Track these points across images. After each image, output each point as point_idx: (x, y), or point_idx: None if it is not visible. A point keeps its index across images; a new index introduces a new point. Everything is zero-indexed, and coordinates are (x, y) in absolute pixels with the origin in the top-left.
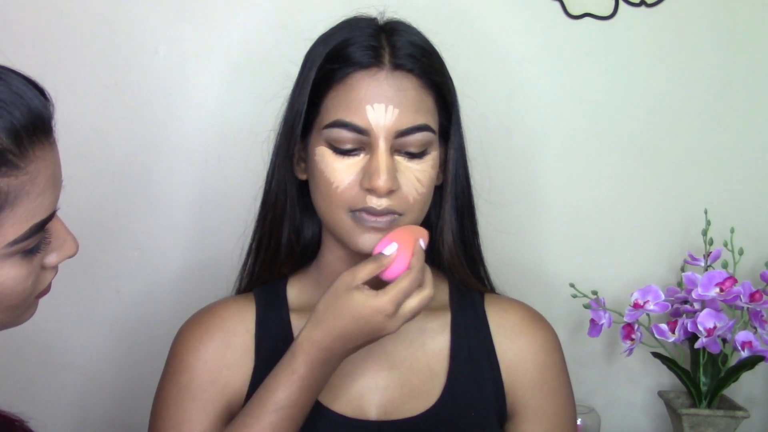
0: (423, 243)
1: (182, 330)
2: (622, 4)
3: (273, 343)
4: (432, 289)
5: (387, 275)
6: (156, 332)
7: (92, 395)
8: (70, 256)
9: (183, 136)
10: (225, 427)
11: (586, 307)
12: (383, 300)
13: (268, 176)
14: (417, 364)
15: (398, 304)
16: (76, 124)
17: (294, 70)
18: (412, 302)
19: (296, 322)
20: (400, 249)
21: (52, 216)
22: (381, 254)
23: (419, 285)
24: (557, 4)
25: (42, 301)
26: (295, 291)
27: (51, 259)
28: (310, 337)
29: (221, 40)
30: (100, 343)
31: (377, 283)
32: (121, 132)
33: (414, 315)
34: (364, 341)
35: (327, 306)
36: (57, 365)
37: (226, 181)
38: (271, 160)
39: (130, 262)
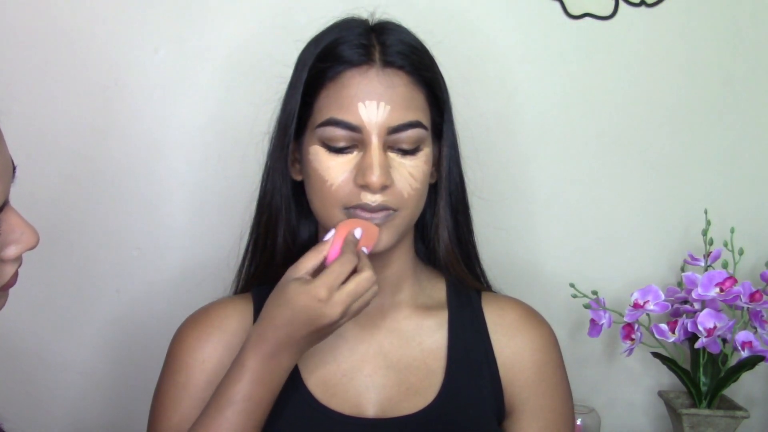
0: (358, 233)
1: (180, 330)
2: (622, 4)
3: None
4: (371, 271)
5: (329, 262)
6: (155, 332)
7: (91, 395)
8: (31, 248)
9: (183, 136)
10: None
11: (586, 307)
12: (314, 285)
13: (263, 177)
14: (414, 362)
15: (330, 288)
16: (76, 124)
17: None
18: (349, 286)
19: None
20: (337, 236)
21: (1, 208)
22: (321, 241)
23: (355, 269)
24: (557, 4)
25: (42, 300)
26: None
27: (9, 252)
28: (257, 330)
29: (221, 41)
30: (99, 343)
31: None
32: (121, 132)
33: (355, 299)
34: (309, 331)
35: (271, 299)
36: (56, 365)
37: (226, 181)
38: (266, 161)
39: (130, 262)
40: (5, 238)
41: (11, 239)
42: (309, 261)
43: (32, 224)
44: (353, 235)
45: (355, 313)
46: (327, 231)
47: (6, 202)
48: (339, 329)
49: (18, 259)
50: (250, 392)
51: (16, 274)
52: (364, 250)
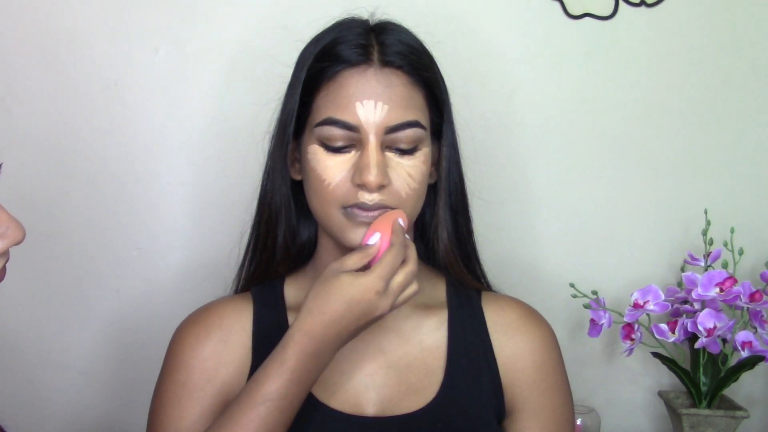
0: (402, 221)
1: (180, 328)
2: (622, 4)
3: (270, 342)
4: (416, 264)
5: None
6: (155, 332)
7: (91, 394)
8: (17, 243)
9: (183, 136)
10: None
11: (586, 307)
12: (371, 277)
13: (263, 177)
14: (414, 361)
15: (386, 280)
16: (76, 124)
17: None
18: (399, 277)
19: (293, 321)
20: (383, 229)
21: None
22: (367, 245)
23: (403, 260)
24: (557, 4)
25: (42, 300)
26: (293, 290)
27: None
28: (302, 327)
29: (221, 41)
30: (99, 343)
31: None
32: (121, 132)
33: (403, 290)
34: (357, 326)
35: (317, 294)
36: (56, 364)
37: (226, 180)
38: (266, 161)
39: (130, 261)
40: None
41: None
42: (354, 260)
43: (21, 221)
44: (399, 224)
45: (398, 306)
46: (326, 231)
47: None
48: None
49: (5, 254)
50: (288, 390)
51: (4, 270)
52: (400, 221)
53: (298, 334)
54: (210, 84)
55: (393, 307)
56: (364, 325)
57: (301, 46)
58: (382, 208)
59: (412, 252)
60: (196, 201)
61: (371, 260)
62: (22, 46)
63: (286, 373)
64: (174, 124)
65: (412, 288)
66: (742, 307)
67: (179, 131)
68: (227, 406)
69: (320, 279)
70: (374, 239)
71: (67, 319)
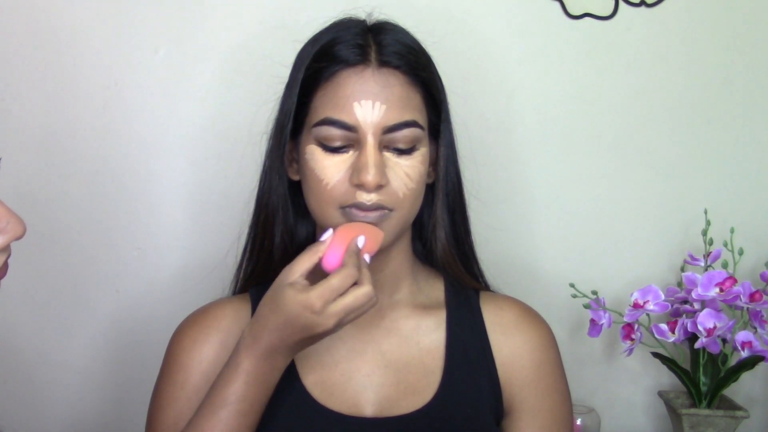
0: (361, 241)
1: (178, 330)
2: (622, 4)
3: None
4: (371, 287)
5: (325, 265)
6: (155, 332)
7: (91, 394)
8: (17, 238)
9: (183, 136)
10: None
11: (586, 307)
12: (310, 296)
13: (261, 177)
14: (412, 362)
15: (326, 301)
16: (76, 124)
17: None
18: (346, 299)
19: None
20: (336, 241)
21: None
22: (317, 242)
23: (355, 282)
24: (557, 4)
25: (42, 300)
26: None
27: None
28: (251, 331)
29: (221, 41)
30: (99, 343)
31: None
32: (121, 132)
33: (350, 312)
34: (301, 337)
35: (265, 301)
36: (56, 364)
37: (226, 180)
38: (264, 161)
39: (130, 261)
40: None
41: None
42: (303, 263)
43: (21, 216)
44: (356, 245)
45: (348, 323)
46: (324, 230)
47: None
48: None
49: (6, 250)
50: (245, 393)
51: (6, 266)
52: (367, 257)
53: (248, 338)
54: (210, 84)
55: (342, 325)
56: (309, 338)
57: (300, 46)
58: (380, 208)
59: (366, 274)
60: (195, 201)
61: (321, 260)
62: (22, 46)
63: (242, 376)
64: (174, 124)
65: (367, 307)
66: (742, 307)
67: (179, 131)
68: None
69: (272, 286)
70: (326, 235)
71: (67, 319)
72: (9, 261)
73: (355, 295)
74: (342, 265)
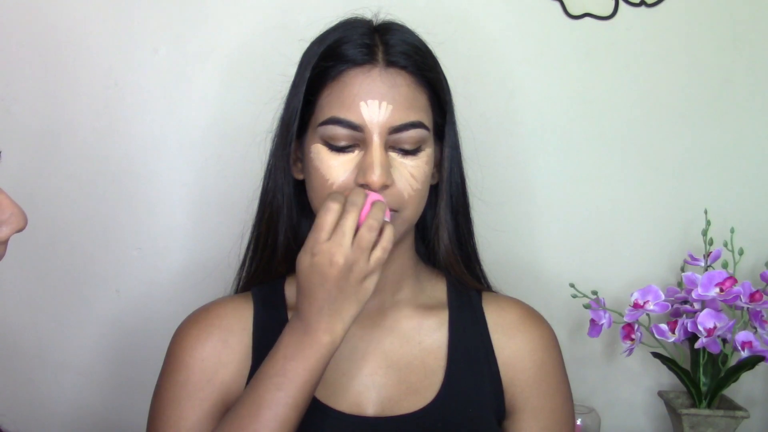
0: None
1: (179, 329)
2: (622, 4)
3: (271, 342)
4: (381, 212)
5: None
6: (155, 332)
7: (91, 394)
8: (20, 230)
9: (183, 136)
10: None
11: (586, 307)
12: (308, 238)
13: (265, 176)
14: (414, 362)
15: (323, 231)
16: (76, 124)
17: (293, 71)
18: (347, 222)
19: None
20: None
21: None
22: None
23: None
24: (557, 4)
25: (42, 300)
26: (293, 290)
27: (0, 232)
28: (296, 308)
29: (221, 40)
30: (99, 343)
31: None
32: (121, 132)
33: (349, 229)
34: (328, 289)
35: (297, 281)
36: (56, 364)
37: (226, 181)
38: (268, 159)
39: (130, 262)
40: None
41: (1, 220)
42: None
43: (25, 211)
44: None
45: (373, 258)
46: None
47: None
48: None
49: (5, 242)
50: (283, 367)
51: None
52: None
53: (294, 314)
54: (210, 84)
55: (372, 266)
56: (336, 283)
57: (302, 45)
58: None
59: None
60: (196, 201)
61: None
62: (22, 45)
63: (280, 350)
64: (174, 124)
65: (387, 235)
66: (742, 307)
67: (179, 131)
68: (227, 407)
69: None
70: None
71: (67, 319)
72: (9, 261)
73: (353, 216)
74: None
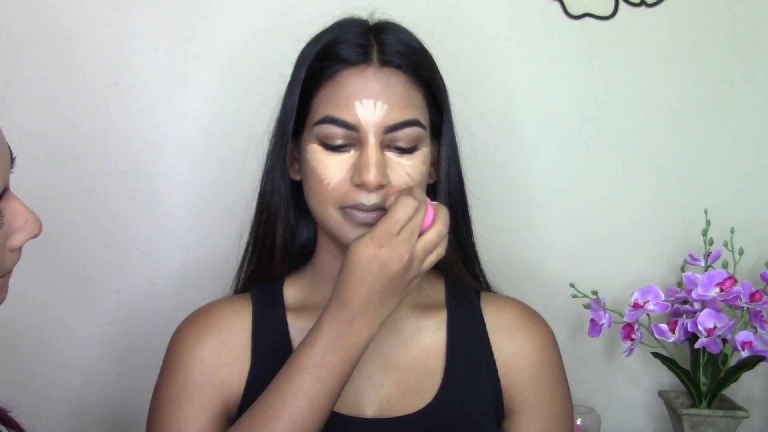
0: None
1: (179, 329)
2: (622, 4)
3: (269, 343)
4: (443, 225)
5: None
6: (155, 332)
7: (91, 394)
8: (34, 236)
9: (183, 136)
10: (222, 425)
11: (586, 307)
12: (374, 233)
13: (262, 177)
14: (413, 362)
15: (389, 232)
16: (76, 124)
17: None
18: (411, 223)
19: (293, 321)
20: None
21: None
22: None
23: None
24: (557, 4)
25: (42, 300)
26: (292, 291)
27: (15, 240)
28: (335, 299)
29: (221, 40)
30: (99, 343)
31: None
32: (121, 132)
33: (415, 230)
34: (382, 284)
35: (341, 268)
36: (56, 364)
37: (226, 181)
38: (266, 161)
39: (130, 262)
40: (9, 226)
41: (16, 227)
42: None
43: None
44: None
45: (426, 262)
46: (323, 228)
47: (6, 189)
48: None
49: (19, 249)
50: (323, 358)
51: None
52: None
53: (332, 304)
54: (210, 84)
55: (417, 260)
56: (391, 281)
57: (301, 45)
58: (380, 209)
59: (442, 212)
60: (195, 201)
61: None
62: (22, 46)
63: (320, 340)
64: (174, 124)
65: (441, 247)
66: (742, 307)
67: (179, 131)
68: (227, 407)
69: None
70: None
71: (67, 319)
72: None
73: (421, 216)
74: (398, 202)
